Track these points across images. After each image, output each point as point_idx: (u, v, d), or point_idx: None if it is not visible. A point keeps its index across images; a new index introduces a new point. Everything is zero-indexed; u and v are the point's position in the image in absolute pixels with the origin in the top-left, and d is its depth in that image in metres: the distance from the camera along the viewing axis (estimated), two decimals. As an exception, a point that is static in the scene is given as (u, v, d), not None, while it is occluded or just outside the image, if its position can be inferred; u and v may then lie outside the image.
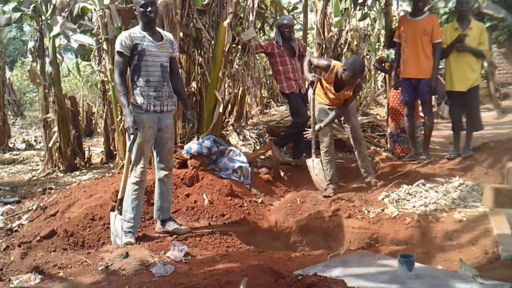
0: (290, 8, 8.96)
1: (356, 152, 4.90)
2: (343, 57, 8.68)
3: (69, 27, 6.10)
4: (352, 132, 4.83)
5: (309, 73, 4.68)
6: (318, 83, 4.68)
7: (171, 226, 3.67)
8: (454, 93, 5.11)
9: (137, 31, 3.46)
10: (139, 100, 3.40)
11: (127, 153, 3.44)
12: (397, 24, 5.81)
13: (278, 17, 7.14)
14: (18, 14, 6.94)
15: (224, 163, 4.94)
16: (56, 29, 6.21)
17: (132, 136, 3.36)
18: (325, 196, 4.65)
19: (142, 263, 2.98)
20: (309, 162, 4.70)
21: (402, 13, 8.49)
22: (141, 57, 3.40)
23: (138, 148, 3.42)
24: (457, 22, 5.08)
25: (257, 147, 6.72)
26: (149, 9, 3.38)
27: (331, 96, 4.63)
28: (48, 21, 6.59)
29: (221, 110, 5.70)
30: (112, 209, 3.66)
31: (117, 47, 3.40)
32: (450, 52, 5.03)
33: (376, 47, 12.67)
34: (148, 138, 3.46)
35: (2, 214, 4.36)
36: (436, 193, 4.17)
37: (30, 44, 7.23)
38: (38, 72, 6.95)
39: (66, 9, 6.22)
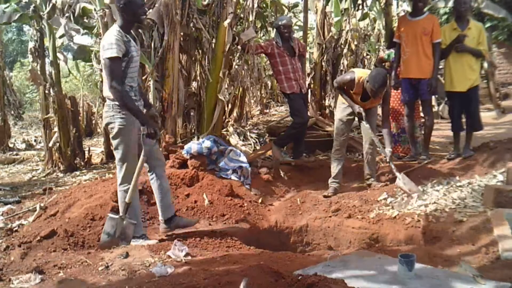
0: (290, 7, 8.97)
1: (365, 152, 4.87)
2: (343, 57, 8.69)
3: (72, 27, 6.10)
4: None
5: (353, 104, 4.59)
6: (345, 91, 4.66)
7: (180, 221, 3.64)
8: (454, 93, 5.10)
9: (122, 34, 3.21)
10: None
11: (142, 158, 3.32)
12: (396, 24, 5.81)
13: (278, 17, 7.14)
14: (18, 14, 6.93)
15: (224, 163, 4.94)
16: (61, 30, 6.21)
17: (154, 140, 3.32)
18: (325, 196, 4.66)
19: (142, 263, 2.98)
20: (399, 183, 4.29)
21: (402, 13, 8.49)
22: (128, 63, 3.24)
23: (132, 151, 3.36)
24: (455, 22, 5.08)
25: (257, 147, 6.72)
26: (146, 12, 3.30)
27: (357, 103, 4.63)
28: (49, 21, 6.59)
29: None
30: (112, 210, 3.66)
31: (114, 52, 3.11)
32: (450, 52, 5.02)
33: (376, 47, 12.67)
34: (138, 140, 3.39)
35: (2, 214, 4.36)
36: (436, 193, 4.17)
37: (31, 45, 7.23)
38: (38, 72, 6.95)
39: (68, 9, 6.22)
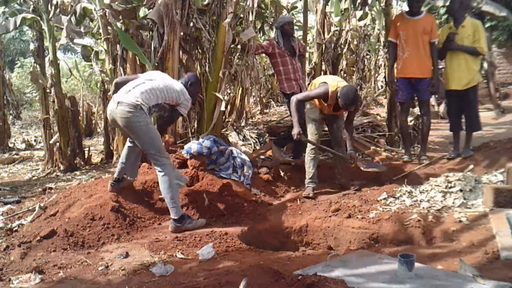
0: (289, 8, 8.97)
1: (333, 154, 4.96)
2: (343, 57, 8.69)
3: (74, 29, 6.09)
4: (335, 133, 4.88)
5: (297, 124, 4.50)
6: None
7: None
8: (451, 93, 5.08)
9: None
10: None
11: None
12: (393, 23, 5.68)
13: (277, 17, 7.14)
14: (21, 17, 6.93)
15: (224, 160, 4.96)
16: (63, 30, 6.21)
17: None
18: (305, 197, 4.66)
19: (142, 263, 2.98)
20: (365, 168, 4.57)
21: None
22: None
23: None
24: (453, 22, 5.07)
25: (257, 147, 6.72)
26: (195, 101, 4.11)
27: (329, 113, 4.69)
28: (50, 22, 6.59)
29: (222, 109, 5.70)
30: (112, 210, 3.67)
31: (188, 107, 3.96)
32: (445, 51, 5.01)
33: (376, 47, 12.68)
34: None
35: (2, 214, 4.35)
36: (436, 193, 4.17)
37: (32, 46, 7.23)
38: (40, 73, 6.95)
39: (70, 10, 6.22)
